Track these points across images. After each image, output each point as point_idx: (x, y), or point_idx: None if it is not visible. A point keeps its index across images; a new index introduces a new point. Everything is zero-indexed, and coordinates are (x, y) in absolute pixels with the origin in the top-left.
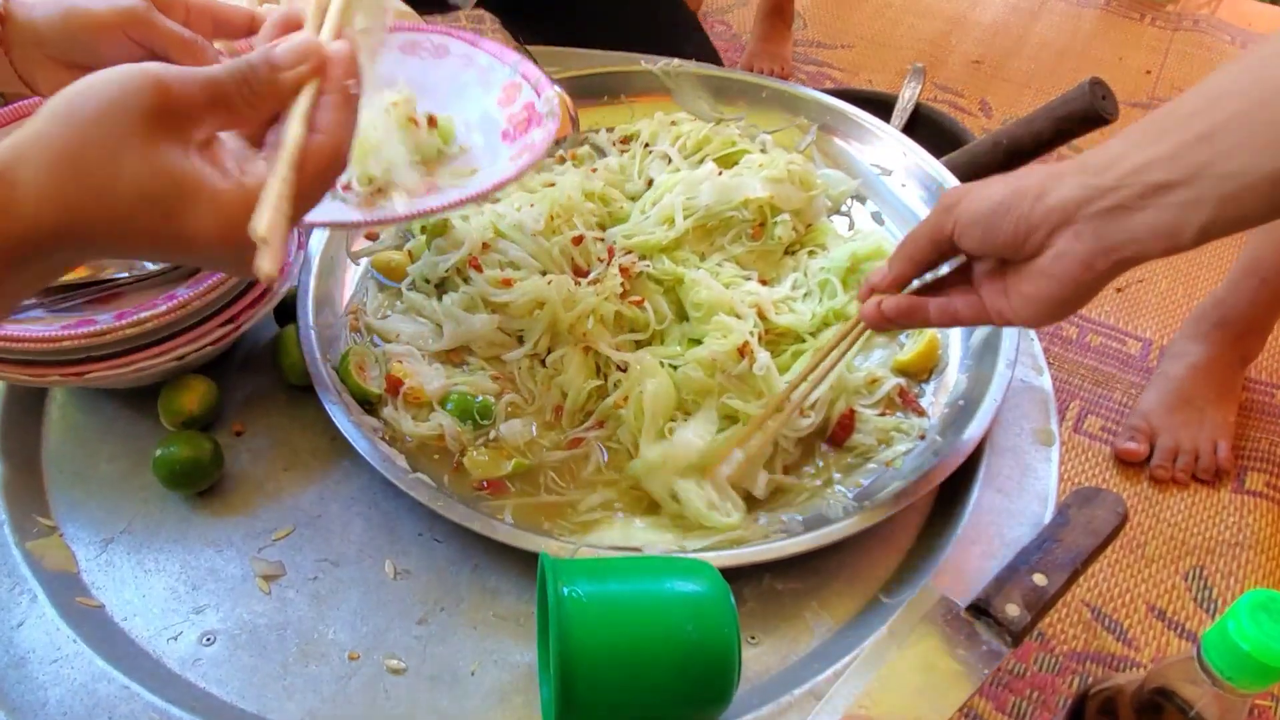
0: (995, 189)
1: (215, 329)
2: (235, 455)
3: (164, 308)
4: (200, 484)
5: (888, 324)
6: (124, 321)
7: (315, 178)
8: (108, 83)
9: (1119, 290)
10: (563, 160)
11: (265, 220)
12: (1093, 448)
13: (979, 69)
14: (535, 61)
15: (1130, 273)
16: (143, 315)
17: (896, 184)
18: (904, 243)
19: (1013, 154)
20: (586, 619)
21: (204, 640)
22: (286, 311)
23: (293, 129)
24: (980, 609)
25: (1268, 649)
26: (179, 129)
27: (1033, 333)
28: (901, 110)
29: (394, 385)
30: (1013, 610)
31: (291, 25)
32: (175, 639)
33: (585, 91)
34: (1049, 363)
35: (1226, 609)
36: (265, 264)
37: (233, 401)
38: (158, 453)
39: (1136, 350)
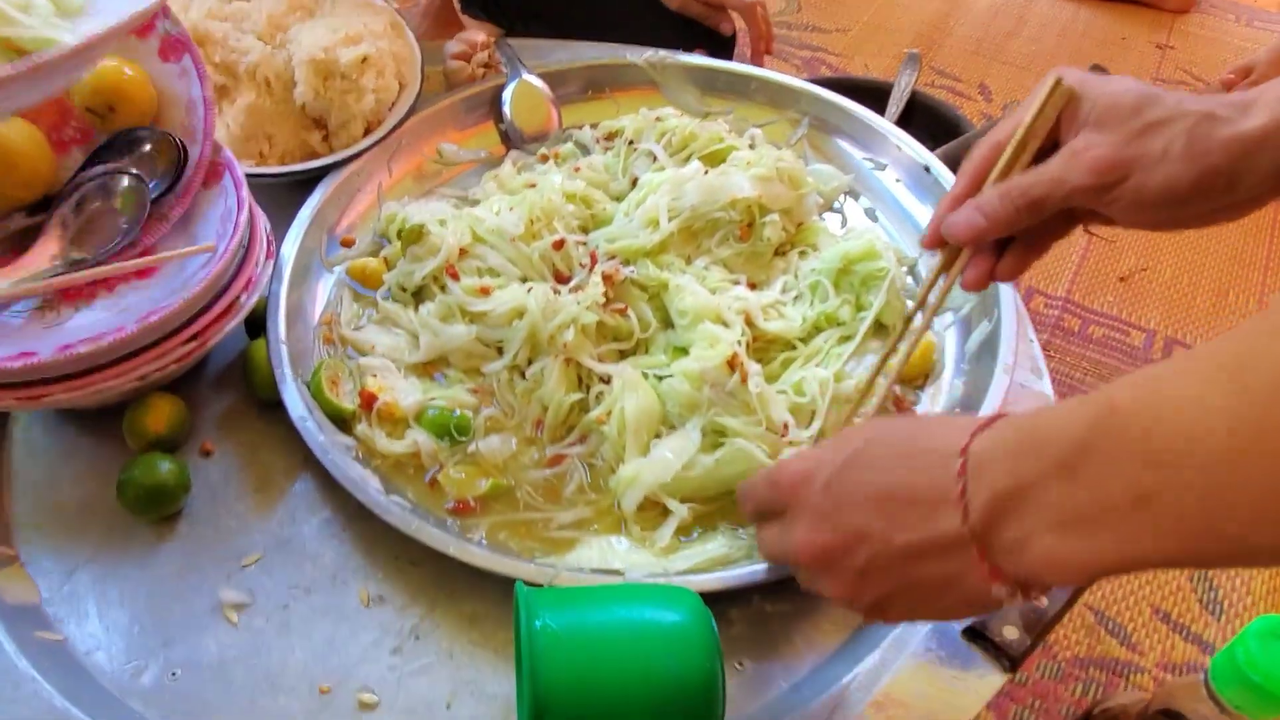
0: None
1: (178, 346)
2: (204, 476)
3: (135, 329)
4: (167, 509)
5: (993, 227)
6: (80, 342)
7: None
8: None
9: (1122, 279)
10: (545, 159)
11: None
12: None
13: (978, 51)
14: (513, 51)
15: (1133, 260)
16: (103, 336)
17: (890, 179)
18: (983, 145)
19: None
20: (559, 653)
21: (169, 675)
22: (257, 323)
23: None
24: (977, 632)
25: (1277, 679)
26: None
27: (1032, 333)
28: (897, 99)
29: (368, 401)
30: (1011, 633)
31: None
32: (139, 674)
33: (569, 86)
34: (1048, 356)
35: (1233, 629)
36: None
37: (202, 419)
38: (122, 478)
39: (1140, 341)
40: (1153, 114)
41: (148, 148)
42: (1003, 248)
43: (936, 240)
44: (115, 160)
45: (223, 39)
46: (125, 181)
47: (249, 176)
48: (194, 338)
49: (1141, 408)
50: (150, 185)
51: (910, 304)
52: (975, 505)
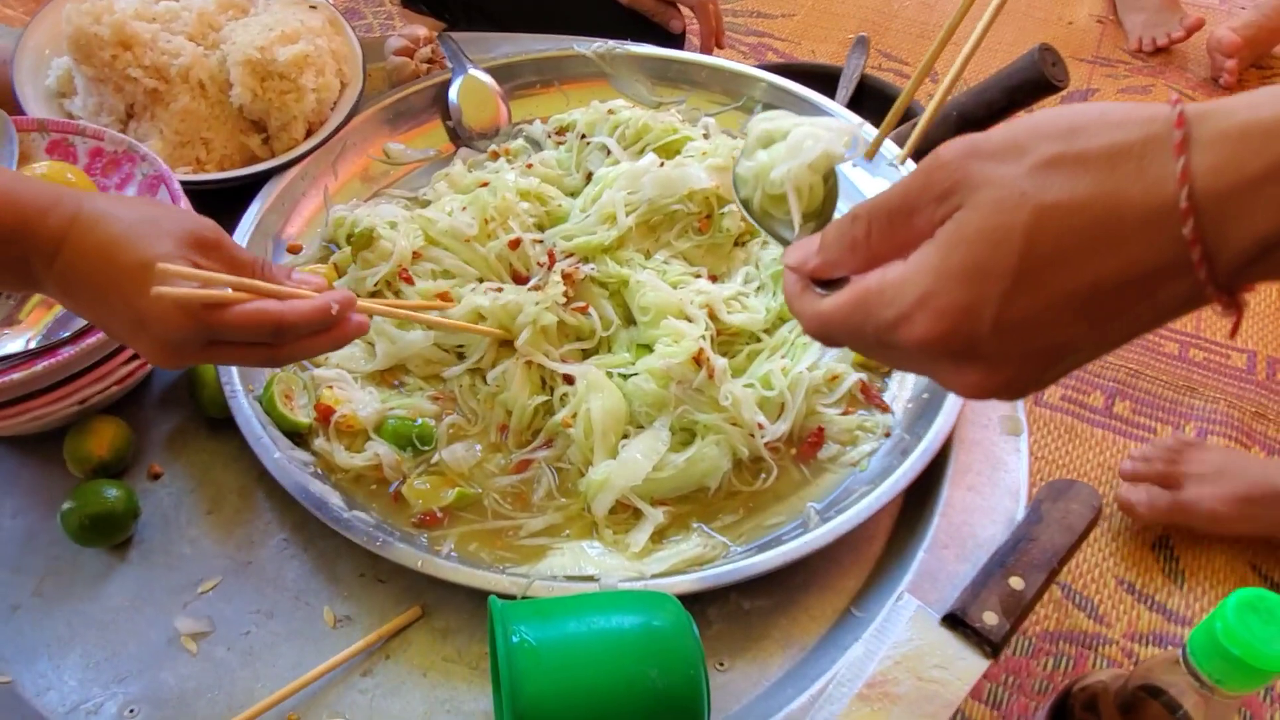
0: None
1: (119, 367)
2: (154, 501)
3: (71, 352)
4: (115, 537)
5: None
6: (12, 369)
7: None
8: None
9: None
10: (496, 156)
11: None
12: (1054, 419)
13: (923, 35)
14: (457, 45)
15: None
16: (36, 360)
17: (846, 164)
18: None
19: (964, 126)
20: (539, 668)
21: (126, 711)
22: None
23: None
24: (957, 619)
25: (1256, 652)
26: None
27: None
28: (846, 83)
29: (324, 414)
30: (991, 618)
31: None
32: (94, 713)
33: (516, 79)
34: None
35: (1196, 598)
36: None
37: (148, 441)
38: (65, 506)
39: None
40: None
41: None
42: None
43: None
44: None
45: (151, 40)
46: None
47: (186, 185)
48: (136, 357)
49: None
50: None
51: None
52: (1222, 262)
